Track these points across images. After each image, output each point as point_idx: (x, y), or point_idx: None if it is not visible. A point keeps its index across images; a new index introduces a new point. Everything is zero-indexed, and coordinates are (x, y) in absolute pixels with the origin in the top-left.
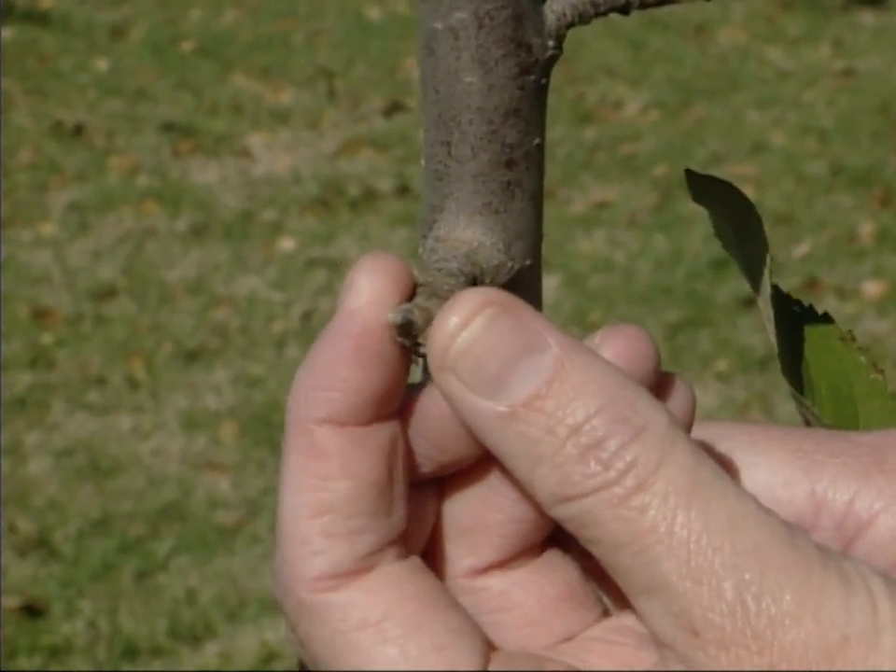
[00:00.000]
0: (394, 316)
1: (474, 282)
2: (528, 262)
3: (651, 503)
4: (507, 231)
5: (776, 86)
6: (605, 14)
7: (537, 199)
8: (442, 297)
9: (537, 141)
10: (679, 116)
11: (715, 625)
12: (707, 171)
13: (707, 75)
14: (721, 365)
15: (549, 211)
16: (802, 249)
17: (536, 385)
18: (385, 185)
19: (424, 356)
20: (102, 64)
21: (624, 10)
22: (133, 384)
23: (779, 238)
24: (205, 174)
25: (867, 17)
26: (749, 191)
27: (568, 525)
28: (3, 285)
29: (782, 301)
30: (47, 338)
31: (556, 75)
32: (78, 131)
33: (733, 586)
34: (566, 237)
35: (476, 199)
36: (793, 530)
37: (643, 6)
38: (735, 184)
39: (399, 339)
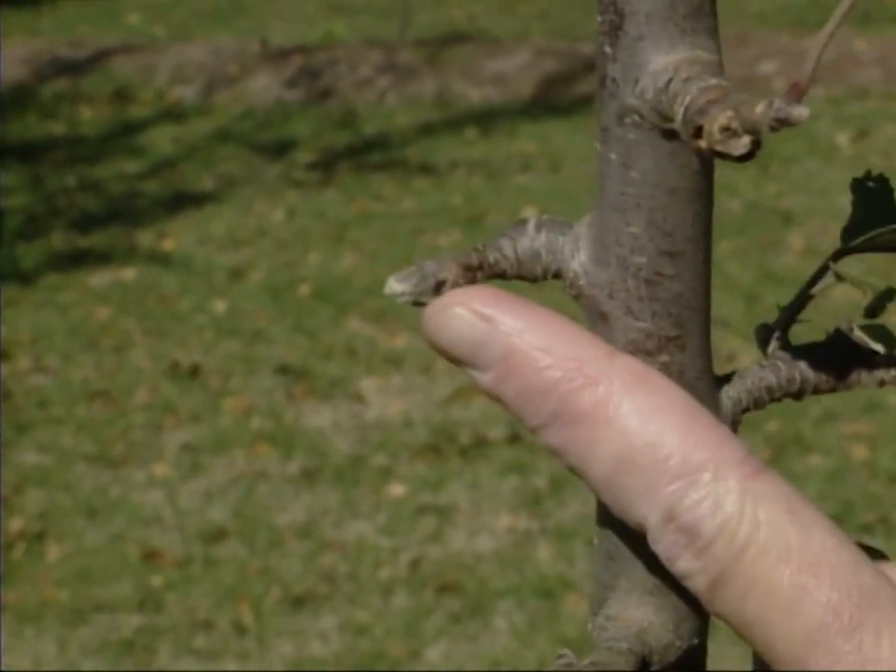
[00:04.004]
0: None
1: (643, 661)
2: (696, 642)
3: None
4: (677, 611)
5: None
6: (779, 400)
7: None
8: None
9: None
10: None
11: None
12: (821, 428)
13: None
14: None
15: None
16: None
17: None
18: (497, 433)
19: None
20: (220, 306)
21: (798, 396)
22: (239, 629)
23: (894, 498)
24: (318, 417)
25: None
26: (862, 450)
27: None
28: (115, 525)
29: None
30: (156, 580)
31: None
32: (195, 371)
33: None
34: None
35: (648, 580)
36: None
37: (816, 392)
38: (848, 442)
39: None
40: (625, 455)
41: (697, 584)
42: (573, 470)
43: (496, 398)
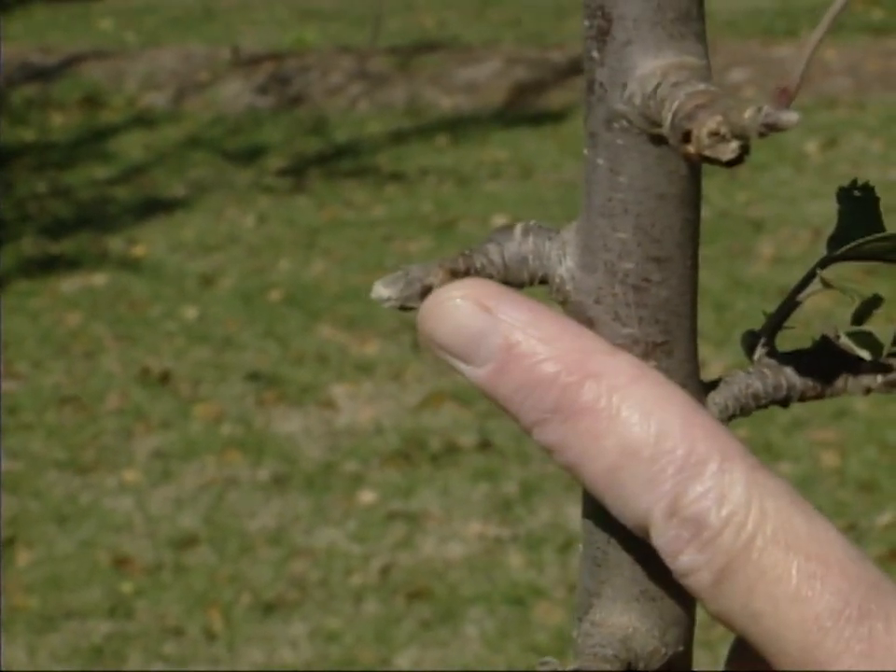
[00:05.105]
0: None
1: (628, 667)
2: (681, 648)
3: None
4: (663, 617)
5: None
6: (765, 406)
7: None
8: None
9: None
10: None
11: None
12: (790, 435)
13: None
14: None
15: None
16: (885, 517)
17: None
18: (467, 439)
19: None
20: (191, 312)
21: (784, 403)
22: (210, 635)
23: (862, 505)
24: (288, 423)
25: None
26: (831, 457)
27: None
28: (86, 532)
29: None
30: (126, 587)
31: None
32: (165, 378)
33: None
34: None
35: (634, 586)
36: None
37: (802, 399)
38: (817, 449)
39: None
40: (629, 447)
41: (701, 579)
42: (570, 468)
43: (490, 393)
